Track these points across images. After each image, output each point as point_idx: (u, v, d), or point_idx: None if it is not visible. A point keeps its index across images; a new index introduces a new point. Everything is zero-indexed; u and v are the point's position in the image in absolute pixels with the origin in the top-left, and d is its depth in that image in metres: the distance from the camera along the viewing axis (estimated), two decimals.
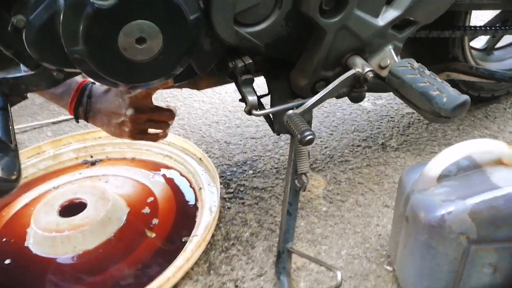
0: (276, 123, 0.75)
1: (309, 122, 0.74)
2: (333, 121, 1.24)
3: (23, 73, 0.68)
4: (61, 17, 0.48)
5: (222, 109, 1.35)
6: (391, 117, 1.23)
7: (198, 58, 0.62)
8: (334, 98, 0.70)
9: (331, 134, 1.18)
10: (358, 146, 1.12)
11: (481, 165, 0.62)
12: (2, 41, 0.56)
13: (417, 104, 0.69)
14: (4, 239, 0.88)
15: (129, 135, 0.84)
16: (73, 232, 0.83)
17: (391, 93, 1.36)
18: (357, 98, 0.70)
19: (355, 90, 0.69)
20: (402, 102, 1.30)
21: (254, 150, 1.14)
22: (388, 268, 0.77)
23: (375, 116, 1.24)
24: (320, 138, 1.16)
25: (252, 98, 0.64)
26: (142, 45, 0.51)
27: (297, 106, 0.64)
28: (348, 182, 0.99)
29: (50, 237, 0.83)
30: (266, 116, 0.78)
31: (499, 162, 0.61)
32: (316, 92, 0.67)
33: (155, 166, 1.08)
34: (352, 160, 1.06)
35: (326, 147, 1.12)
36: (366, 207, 0.92)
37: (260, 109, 0.67)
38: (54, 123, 1.33)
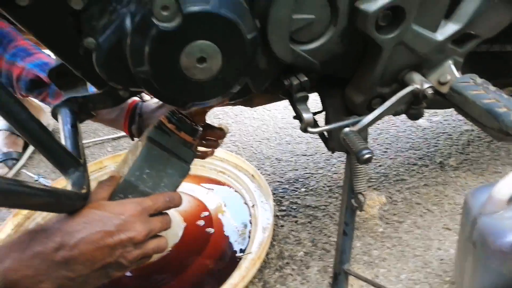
0: (331, 140, 0.74)
1: (365, 140, 0.73)
2: (386, 138, 1.20)
3: (91, 93, 0.72)
4: (128, 39, 0.51)
5: (272, 126, 1.36)
6: (449, 135, 1.18)
7: (254, 77, 0.63)
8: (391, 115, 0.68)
9: (385, 151, 1.15)
10: (414, 164, 1.08)
11: None
12: (72, 62, 0.60)
13: (482, 121, 0.65)
14: None
15: None
16: None
17: (448, 109, 1.30)
18: (415, 115, 0.67)
19: (413, 107, 0.67)
20: (460, 118, 1.25)
21: (306, 168, 1.13)
22: None
23: (431, 134, 1.19)
24: (374, 156, 1.13)
25: (307, 116, 0.64)
26: (202, 64, 0.53)
27: (354, 124, 0.63)
28: (405, 202, 0.96)
29: None
30: (320, 134, 0.77)
31: None
32: (372, 109, 0.66)
33: (209, 182, 1.09)
34: (409, 179, 1.03)
35: (380, 165, 1.09)
36: (425, 229, 0.88)
37: (315, 127, 0.66)
38: (114, 139, 1.39)
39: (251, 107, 0.85)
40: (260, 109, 1.48)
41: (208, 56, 0.52)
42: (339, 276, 0.72)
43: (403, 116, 1.30)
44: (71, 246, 0.54)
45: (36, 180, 1.21)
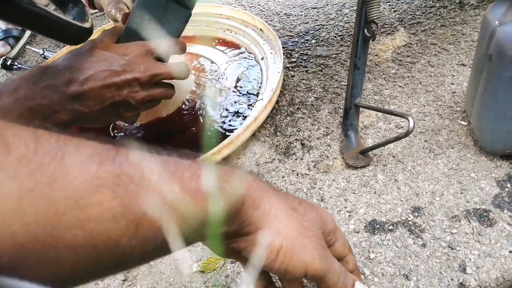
0: None
1: None
2: None
3: None
4: None
5: None
6: None
7: None
8: None
9: None
10: (432, 7, 1.01)
11: None
12: None
13: None
14: None
15: None
16: None
17: None
18: None
19: None
20: None
21: (316, 20, 1.08)
22: (463, 123, 0.73)
23: None
24: (389, 2, 1.06)
25: None
26: None
27: None
28: (419, 44, 0.92)
29: None
30: None
31: None
32: None
33: (216, 41, 1.07)
34: (425, 22, 0.97)
35: (395, 11, 1.03)
36: (439, 67, 0.86)
37: None
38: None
39: None
40: None
41: None
42: (350, 111, 0.73)
43: None
44: (80, 81, 0.54)
45: (42, 54, 1.20)
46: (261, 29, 1.01)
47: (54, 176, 0.24)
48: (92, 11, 1.22)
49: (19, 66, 1.20)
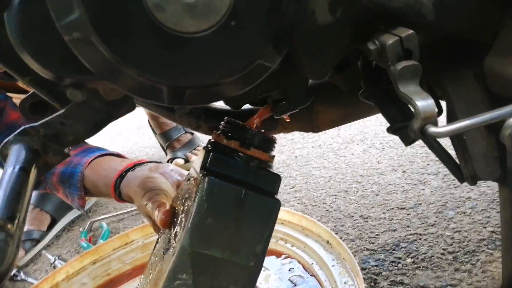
0: (468, 160, 0.40)
1: None
2: None
3: (51, 116, 0.46)
4: None
5: (350, 174, 1.02)
6: None
7: (307, 39, 0.33)
8: None
9: None
10: None
11: None
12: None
13: None
14: None
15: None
16: None
17: None
18: None
19: None
20: None
21: (408, 226, 0.76)
22: None
23: None
24: None
25: (424, 104, 0.31)
26: None
27: None
28: None
29: None
30: (445, 158, 0.43)
31: None
32: None
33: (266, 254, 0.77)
34: None
35: None
36: None
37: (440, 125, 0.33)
38: None
39: (317, 130, 0.55)
40: (331, 155, 1.15)
41: None
42: None
43: None
44: None
45: (52, 263, 0.97)
46: (328, 241, 0.70)
47: None
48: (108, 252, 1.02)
49: (23, 278, 0.96)
